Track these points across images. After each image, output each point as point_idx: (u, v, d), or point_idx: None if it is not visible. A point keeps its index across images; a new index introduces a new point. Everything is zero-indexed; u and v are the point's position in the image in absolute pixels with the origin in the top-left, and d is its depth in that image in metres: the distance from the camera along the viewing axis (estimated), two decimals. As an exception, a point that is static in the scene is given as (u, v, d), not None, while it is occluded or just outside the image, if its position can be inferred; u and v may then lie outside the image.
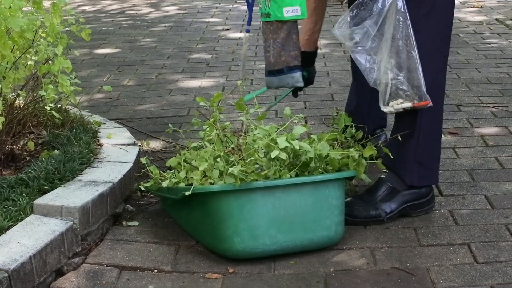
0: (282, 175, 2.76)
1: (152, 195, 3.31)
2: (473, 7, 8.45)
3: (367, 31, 2.93)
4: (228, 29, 7.47)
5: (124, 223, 3.11)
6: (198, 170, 2.81)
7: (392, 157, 3.00)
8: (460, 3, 8.64)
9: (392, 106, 2.98)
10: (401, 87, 2.94)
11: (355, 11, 2.96)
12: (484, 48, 6.29)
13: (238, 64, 5.91)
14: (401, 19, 2.89)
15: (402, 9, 2.88)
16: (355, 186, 3.34)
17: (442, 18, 3.01)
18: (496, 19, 7.62)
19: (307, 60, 3.44)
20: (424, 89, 2.92)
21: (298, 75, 3.15)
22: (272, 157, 2.71)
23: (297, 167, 2.81)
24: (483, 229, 2.99)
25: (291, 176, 2.77)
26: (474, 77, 5.28)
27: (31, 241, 2.59)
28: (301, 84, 3.19)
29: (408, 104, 2.96)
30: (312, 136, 2.94)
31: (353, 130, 3.06)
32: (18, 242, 2.57)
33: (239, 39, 6.93)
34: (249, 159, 2.76)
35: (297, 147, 2.76)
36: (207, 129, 3.00)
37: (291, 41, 3.11)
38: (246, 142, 2.85)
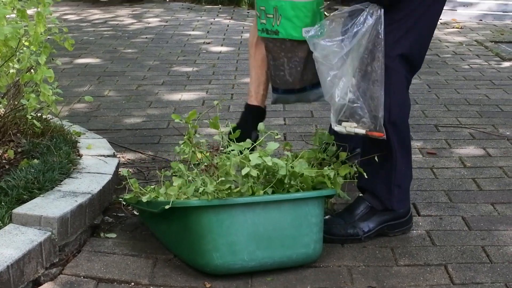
0: (255, 191, 2.76)
1: (130, 207, 3.30)
2: (453, 28, 8.53)
3: (336, 50, 2.90)
4: (209, 43, 7.48)
5: (102, 234, 3.10)
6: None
7: (366, 177, 3.00)
8: (441, 23, 8.70)
9: (345, 127, 2.97)
10: (358, 112, 2.92)
11: (331, 22, 2.94)
12: (463, 69, 6.34)
13: (218, 78, 5.92)
14: (377, 46, 2.88)
15: (380, 36, 2.88)
16: (333, 204, 3.35)
17: (419, 40, 3.01)
18: (475, 41, 7.68)
19: (262, 117, 3.39)
20: (382, 120, 2.91)
21: (321, 91, 3.08)
22: (243, 173, 2.72)
23: (272, 184, 2.82)
24: (460, 250, 3.00)
25: (266, 193, 2.78)
26: (453, 98, 5.31)
27: (9, 250, 2.58)
28: (324, 98, 3.13)
29: (361, 131, 2.95)
30: (286, 153, 2.95)
31: (334, 148, 3.06)
32: (-4, 251, 2.56)
33: (219, 53, 6.94)
34: (221, 178, 2.76)
35: (270, 164, 2.77)
36: (182, 145, 3.00)
37: (313, 60, 3.03)
38: (220, 159, 2.85)
